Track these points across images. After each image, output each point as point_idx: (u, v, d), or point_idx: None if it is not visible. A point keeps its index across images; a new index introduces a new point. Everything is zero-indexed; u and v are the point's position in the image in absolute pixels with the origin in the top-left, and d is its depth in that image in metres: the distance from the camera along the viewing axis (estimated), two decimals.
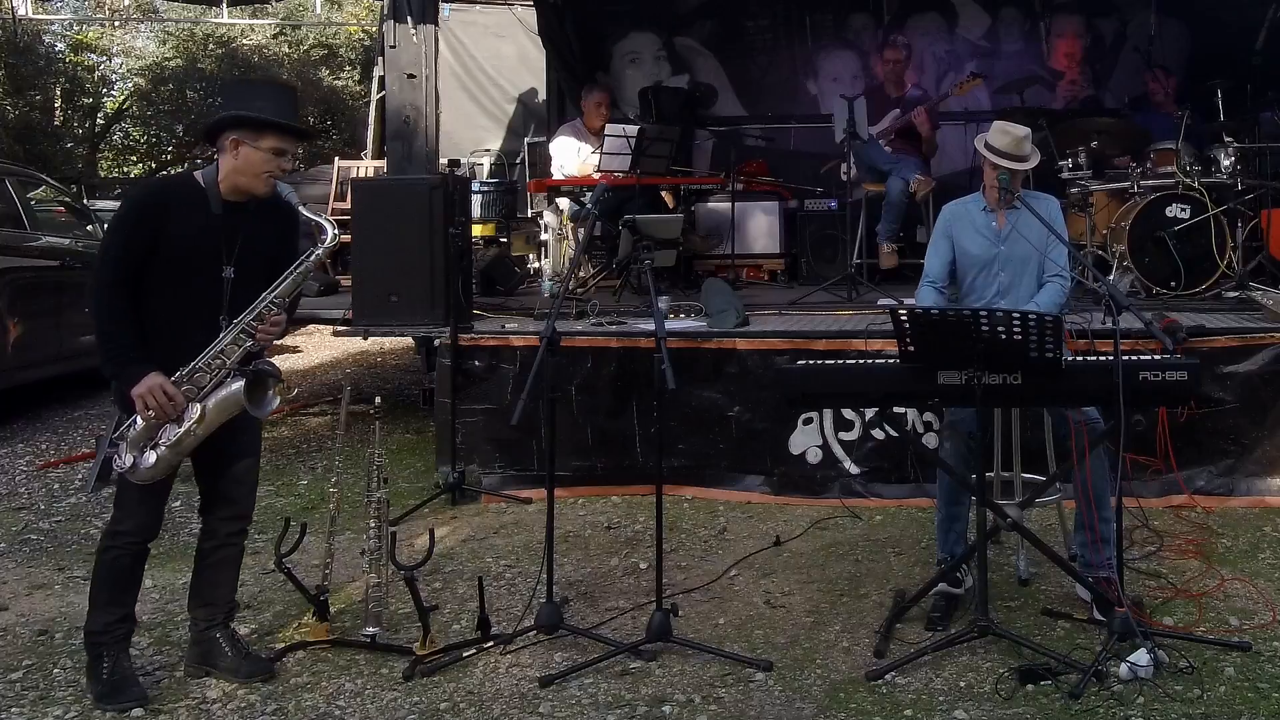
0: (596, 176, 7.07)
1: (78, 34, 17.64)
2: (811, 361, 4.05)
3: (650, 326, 4.12)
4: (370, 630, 3.79)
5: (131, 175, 17.00)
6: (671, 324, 5.67)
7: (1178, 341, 4.80)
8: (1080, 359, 3.74)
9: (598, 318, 5.91)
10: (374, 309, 5.93)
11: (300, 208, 3.52)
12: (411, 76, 7.63)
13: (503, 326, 5.89)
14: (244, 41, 18.01)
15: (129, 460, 3.34)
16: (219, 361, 3.36)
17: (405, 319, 5.92)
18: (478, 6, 10.57)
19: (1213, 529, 4.77)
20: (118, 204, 5.14)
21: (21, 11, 15.75)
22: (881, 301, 6.33)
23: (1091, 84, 8.92)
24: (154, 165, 16.62)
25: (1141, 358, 3.63)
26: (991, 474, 4.21)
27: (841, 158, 7.26)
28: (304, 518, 4.36)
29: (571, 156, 7.59)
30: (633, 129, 7.17)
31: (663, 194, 7.84)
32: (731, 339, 5.51)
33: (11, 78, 14.18)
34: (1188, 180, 6.18)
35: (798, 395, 4.04)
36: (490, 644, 3.75)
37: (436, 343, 5.75)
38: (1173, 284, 6.15)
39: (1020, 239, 4.18)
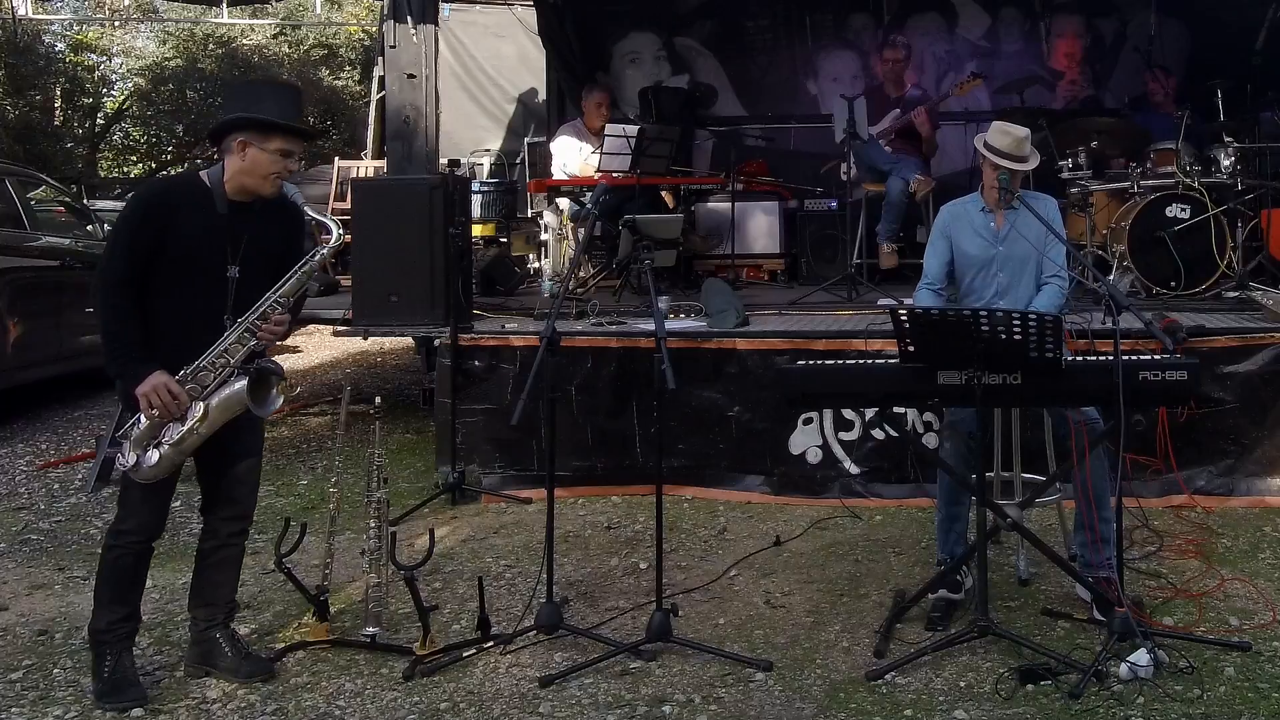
0: (597, 176, 7.07)
1: (78, 34, 17.65)
2: (811, 361, 4.05)
3: (650, 326, 4.12)
4: (370, 630, 3.79)
5: (131, 175, 17.02)
6: (671, 324, 5.67)
7: (1178, 341, 4.79)
8: (1080, 359, 3.74)
9: (598, 318, 5.91)
10: (374, 309, 5.93)
11: (305, 207, 3.54)
12: (411, 76, 7.63)
13: (503, 326, 5.89)
14: (244, 41, 18.01)
15: (132, 459, 3.35)
16: (223, 360, 3.36)
17: (405, 319, 5.92)
18: (478, 6, 10.55)
19: (1213, 529, 4.76)
20: (118, 204, 5.14)
21: (21, 11, 15.75)
22: (881, 301, 6.33)
23: (1091, 84, 8.91)
24: (154, 165, 16.64)
25: (1141, 358, 3.63)
26: (991, 474, 4.21)
27: (841, 158, 7.25)
28: (304, 518, 4.36)
29: (572, 156, 7.58)
30: (633, 129, 7.16)
31: (663, 194, 7.84)
32: (731, 339, 5.51)
33: (11, 78, 14.20)
34: (1188, 180, 6.18)
35: (798, 395, 4.04)
36: (490, 644, 3.75)
37: (436, 343, 5.74)
38: (1173, 284, 6.15)
39: (1019, 239, 4.18)
